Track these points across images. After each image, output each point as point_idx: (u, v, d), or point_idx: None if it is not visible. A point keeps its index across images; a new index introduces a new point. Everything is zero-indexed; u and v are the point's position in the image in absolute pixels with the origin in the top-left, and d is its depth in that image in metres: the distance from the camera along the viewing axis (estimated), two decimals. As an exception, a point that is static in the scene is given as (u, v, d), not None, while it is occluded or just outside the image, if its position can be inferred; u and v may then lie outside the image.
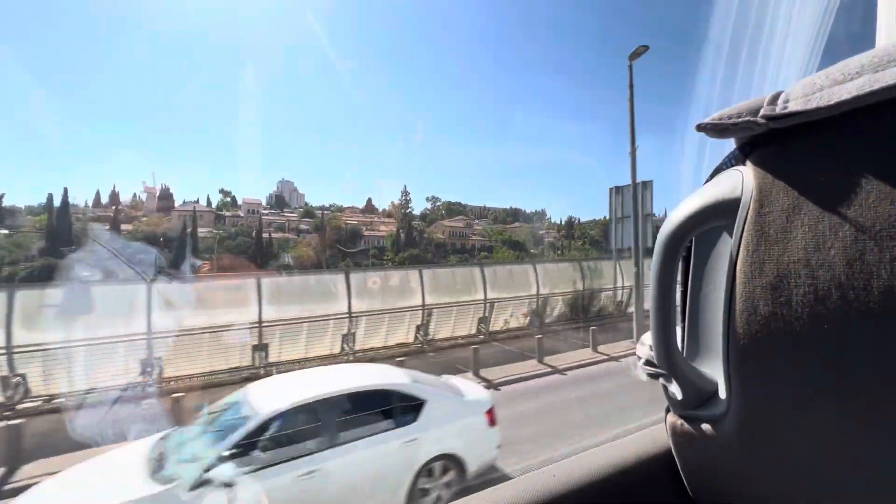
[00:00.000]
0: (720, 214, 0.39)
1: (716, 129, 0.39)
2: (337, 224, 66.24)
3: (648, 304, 0.47)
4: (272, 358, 9.77)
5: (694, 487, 0.52)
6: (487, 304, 13.06)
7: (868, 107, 0.30)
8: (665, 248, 0.43)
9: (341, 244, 61.40)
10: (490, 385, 8.88)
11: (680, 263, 0.44)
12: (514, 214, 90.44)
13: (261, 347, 9.65)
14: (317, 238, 62.24)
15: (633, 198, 12.02)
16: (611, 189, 12.80)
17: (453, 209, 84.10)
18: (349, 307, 10.82)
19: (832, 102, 0.31)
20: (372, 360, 10.50)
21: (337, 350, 10.62)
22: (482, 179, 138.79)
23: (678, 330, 0.48)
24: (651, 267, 0.46)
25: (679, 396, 0.45)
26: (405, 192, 74.71)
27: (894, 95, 0.29)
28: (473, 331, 12.90)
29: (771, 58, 1.46)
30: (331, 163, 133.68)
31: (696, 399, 0.45)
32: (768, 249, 0.35)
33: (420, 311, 11.88)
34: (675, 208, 0.43)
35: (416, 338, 11.76)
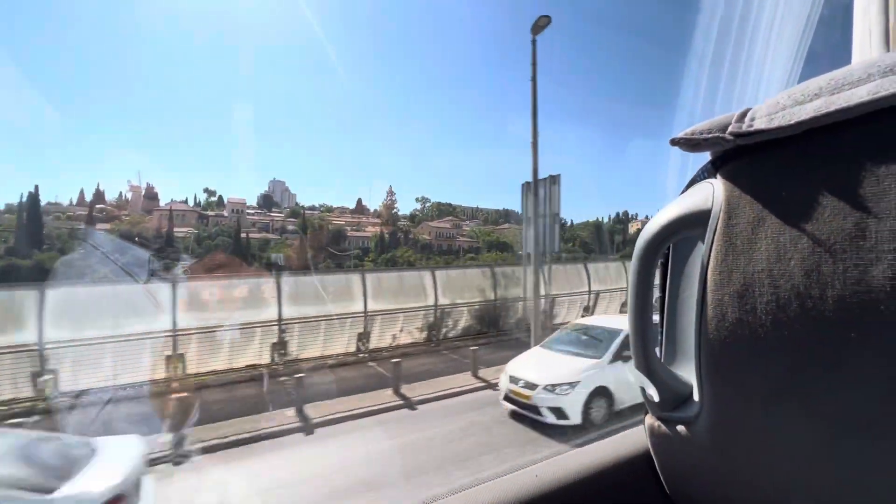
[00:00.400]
0: (694, 224, 0.41)
1: (689, 144, 0.41)
2: (320, 224, 64.78)
3: (628, 309, 0.48)
4: (65, 387, 8.10)
5: (671, 486, 0.53)
6: (368, 317, 11.30)
7: (825, 127, 0.32)
8: (643, 255, 0.44)
9: (323, 245, 60.01)
10: (306, 425, 7.14)
11: (658, 270, 0.46)
12: (506, 216, 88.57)
13: (41, 374, 7.98)
14: (298, 239, 61.02)
15: (534, 194, 10.27)
16: (523, 185, 11.05)
17: (443, 210, 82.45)
18: (174, 323, 9.13)
19: (792, 122, 0.33)
20: (206, 386, 8.82)
21: (162, 374, 8.94)
22: (477, 181, 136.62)
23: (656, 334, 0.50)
24: (629, 273, 0.46)
25: (656, 399, 0.47)
26: (390, 192, 72.98)
27: (847, 117, 0.31)
28: (352, 348, 11.15)
29: (752, 69, 1.45)
30: (326, 163, 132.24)
31: (673, 401, 0.46)
32: (735, 259, 0.36)
33: (276, 326, 10.17)
34: (653, 217, 0.45)
35: (272, 358, 10.05)
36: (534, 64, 10.65)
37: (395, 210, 72.75)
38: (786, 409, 0.36)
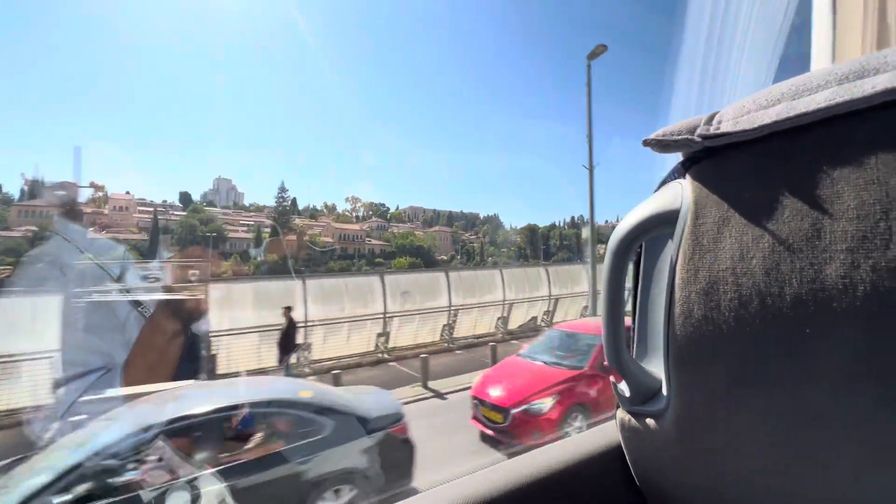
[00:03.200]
0: (664, 223, 0.42)
1: (660, 145, 0.43)
2: (192, 223, 59.57)
3: (600, 306, 0.49)
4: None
5: (640, 477, 0.55)
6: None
7: (786, 130, 0.34)
8: (615, 254, 0.46)
9: (191, 247, 52.36)
10: None
11: (631, 267, 0.48)
12: (449, 218, 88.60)
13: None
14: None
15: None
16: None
17: (374, 210, 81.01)
18: None
19: (755, 126, 0.35)
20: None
21: None
22: (455, 185, 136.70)
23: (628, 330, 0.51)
24: (603, 271, 0.48)
25: (627, 393, 0.49)
26: (282, 189, 67.94)
27: (806, 122, 0.32)
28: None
29: (727, 74, 1.49)
30: (282, 163, 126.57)
31: (643, 396, 0.48)
32: (702, 258, 0.38)
33: None
34: (625, 216, 0.46)
35: None
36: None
37: (285, 206, 66.64)
38: (746, 402, 0.37)
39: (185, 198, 73.76)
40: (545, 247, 76.12)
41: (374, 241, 69.17)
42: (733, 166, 0.38)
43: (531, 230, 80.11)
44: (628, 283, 0.49)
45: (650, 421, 0.47)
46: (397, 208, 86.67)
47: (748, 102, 0.37)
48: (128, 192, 66.80)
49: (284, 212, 65.11)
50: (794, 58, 1.34)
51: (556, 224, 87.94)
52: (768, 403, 0.36)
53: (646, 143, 0.44)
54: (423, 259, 63.04)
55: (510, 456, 0.67)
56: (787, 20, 1.34)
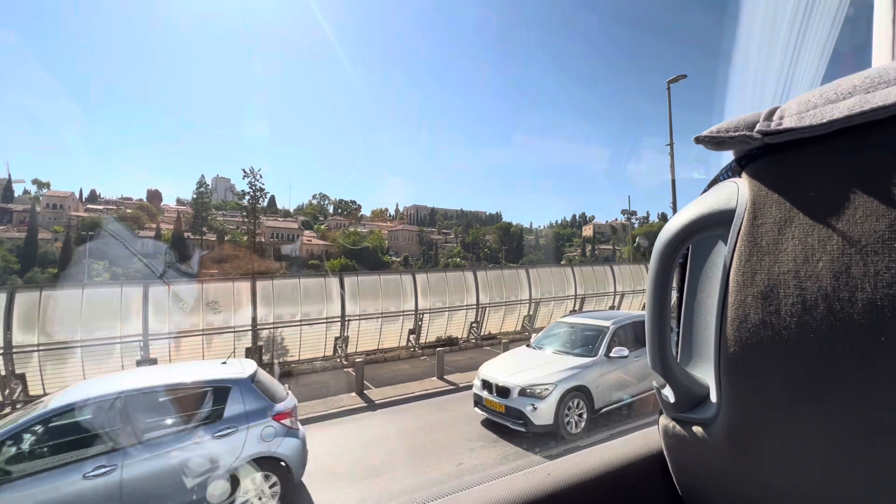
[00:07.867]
0: (716, 224, 0.41)
1: (713, 142, 0.41)
2: (93, 221, 56.65)
3: (646, 309, 0.48)
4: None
5: (683, 487, 0.54)
6: None
7: (858, 126, 0.32)
8: (662, 255, 0.44)
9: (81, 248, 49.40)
10: None
11: (677, 270, 0.46)
12: (431, 215, 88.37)
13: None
14: (63, 241, 51.83)
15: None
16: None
17: (342, 207, 79.89)
18: None
19: (824, 121, 0.33)
20: None
21: None
22: (481, 185, 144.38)
23: (673, 335, 0.49)
24: (648, 273, 0.47)
25: (671, 400, 0.48)
26: (201, 182, 64.24)
27: (883, 116, 0.31)
28: None
29: (777, 69, 1.48)
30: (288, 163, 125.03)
31: (688, 402, 0.47)
32: (760, 260, 0.37)
33: None
34: (673, 216, 0.45)
35: None
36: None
37: (205, 201, 63.85)
38: (808, 412, 0.36)
39: (153, 195, 70.83)
40: (505, 248, 76.20)
41: (314, 241, 66.13)
42: (795, 164, 0.36)
43: (502, 229, 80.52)
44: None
45: (697, 429, 0.46)
46: (397, 207, 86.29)
47: (813, 96, 0.36)
48: (94, 190, 66.79)
49: (202, 208, 62.23)
50: (849, 50, 1.35)
51: (554, 223, 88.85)
52: (834, 415, 0.34)
53: (698, 140, 0.42)
54: (367, 261, 60.19)
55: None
56: (842, 11, 1.33)
